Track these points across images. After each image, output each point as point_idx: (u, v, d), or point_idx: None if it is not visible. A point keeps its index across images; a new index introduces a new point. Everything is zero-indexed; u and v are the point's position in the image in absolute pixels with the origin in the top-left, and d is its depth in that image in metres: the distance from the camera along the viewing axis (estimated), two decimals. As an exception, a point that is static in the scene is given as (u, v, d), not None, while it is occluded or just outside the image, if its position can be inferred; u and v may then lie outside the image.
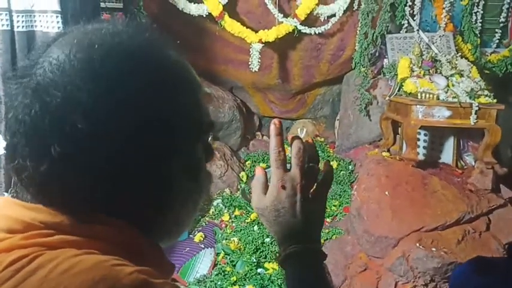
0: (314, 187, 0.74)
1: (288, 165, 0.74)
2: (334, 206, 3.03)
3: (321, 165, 0.77)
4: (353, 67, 3.54)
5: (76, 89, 0.50)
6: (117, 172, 0.51)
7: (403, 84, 3.02)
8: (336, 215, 2.97)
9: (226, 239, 2.83)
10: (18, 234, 0.50)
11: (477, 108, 2.79)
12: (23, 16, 2.09)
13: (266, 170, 0.76)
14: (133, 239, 0.54)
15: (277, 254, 0.71)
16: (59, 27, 2.08)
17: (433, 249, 2.48)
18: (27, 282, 0.44)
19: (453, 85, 2.95)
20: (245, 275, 2.54)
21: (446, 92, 2.90)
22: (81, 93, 0.50)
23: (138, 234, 0.55)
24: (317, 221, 0.75)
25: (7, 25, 2.06)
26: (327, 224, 2.94)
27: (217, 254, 2.76)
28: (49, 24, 2.09)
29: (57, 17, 2.10)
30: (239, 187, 3.35)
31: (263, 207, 0.73)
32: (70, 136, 0.49)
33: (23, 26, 2.08)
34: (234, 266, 2.64)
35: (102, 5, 2.84)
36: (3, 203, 0.55)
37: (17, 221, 0.51)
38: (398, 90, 3.07)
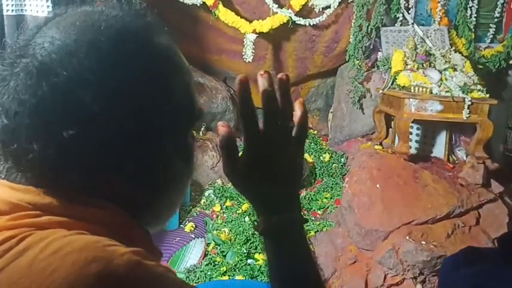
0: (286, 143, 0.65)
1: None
2: (325, 198, 3.04)
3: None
4: (347, 60, 3.53)
5: (84, 70, 0.50)
6: (112, 155, 0.51)
7: (396, 77, 3.02)
8: (327, 208, 2.98)
9: (217, 230, 2.83)
10: (5, 215, 0.49)
11: (470, 102, 2.79)
12: (12, 0, 2.06)
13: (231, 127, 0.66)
14: (123, 222, 0.54)
15: (256, 223, 0.66)
16: (48, 12, 2.05)
17: (423, 242, 2.49)
18: (17, 262, 0.43)
19: (446, 79, 2.95)
20: (235, 265, 2.54)
21: (440, 86, 2.90)
22: (89, 74, 0.50)
23: (128, 217, 0.55)
24: (296, 183, 0.69)
25: (-4, 9, 2.04)
26: (318, 216, 2.94)
27: (208, 244, 2.76)
28: (39, 8, 2.06)
29: (47, 1, 2.07)
30: (231, 178, 3.34)
31: (237, 172, 0.64)
32: (80, 118, 0.49)
33: (12, 10, 2.06)
34: (224, 256, 2.64)
35: (95, -9, 2.81)
36: None
37: (4, 202, 0.50)
38: (392, 84, 3.07)
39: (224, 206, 3.07)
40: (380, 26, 3.40)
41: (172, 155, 0.57)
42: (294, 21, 3.35)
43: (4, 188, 0.52)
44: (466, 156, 3.10)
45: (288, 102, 0.65)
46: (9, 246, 0.45)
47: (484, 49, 3.58)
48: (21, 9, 2.10)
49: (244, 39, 3.35)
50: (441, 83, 2.91)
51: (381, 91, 3.15)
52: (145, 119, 0.52)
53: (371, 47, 3.49)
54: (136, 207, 0.55)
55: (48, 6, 2.07)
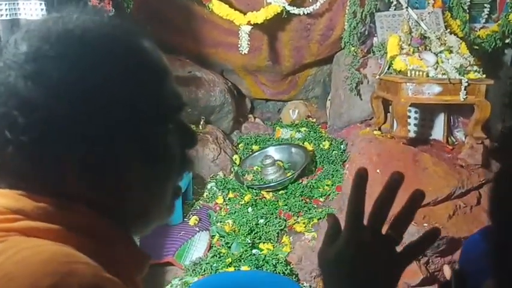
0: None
1: None
2: (327, 185, 3.06)
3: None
4: (343, 47, 3.53)
5: (44, 68, 0.51)
6: (75, 157, 0.52)
7: (392, 62, 3.03)
8: (329, 194, 3.00)
9: (220, 222, 2.86)
10: None
11: (466, 84, 2.80)
12: (6, 4, 2.07)
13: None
14: (101, 227, 0.54)
15: None
16: (43, 15, 2.06)
17: (425, 224, 2.52)
18: None
19: (442, 62, 2.96)
20: (240, 256, 2.57)
21: (436, 69, 2.91)
22: (48, 71, 0.51)
23: (105, 222, 0.55)
24: None
25: (-9, 14, 2.05)
26: (320, 203, 2.97)
27: (212, 237, 2.79)
28: (33, 11, 2.07)
29: (40, 4, 2.08)
30: (232, 170, 3.36)
31: (325, 258, 0.63)
32: (36, 119, 0.50)
33: (6, 15, 2.06)
34: (229, 247, 2.67)
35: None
36: None
37: None
38: (388, 69, 3.08)
39: (227, 198, 3.09)
40: (374, 11, 3.39)
41: (133, 158, 0.56)
42: (288, 10, 3.35)
43: None
44: (465, 138, 3.11)
45: (388, 204, 0.61)
46: None
47: (479, 29, 3.57)
48: (16, 13, 2.10)
49: (239, 31, 3.36)
50: (437, 66, 2.92)
51: (377, 76, 3.15)
52: (102, 120, 0.52)
53: (366, 32, 3.48)
54: (109, 212, 0.55)
55: (42, 10, 2.08)
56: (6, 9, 2.06)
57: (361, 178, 0.62)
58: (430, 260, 2.54)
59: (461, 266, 1.04)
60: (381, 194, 0.61)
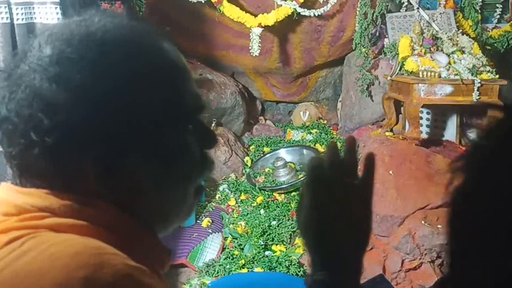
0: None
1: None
2: (339, 187, 3.05)
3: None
4: (354, 48, 3.52)
5: (71, 73, 0.52)
6: (96, 157, 0.53)
7: (404, 63, 3.01)
8: (341, 196, 2.99)
9: (233, 223, 2.86)
10: (14, 217, 0.51)
11: (479, 84, 2.79)
12: (22, 8, 2.09)
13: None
14: (124, 223, 0.56)
15: (306, 274, 0.68)
16: (58, 19, 2.08)
17: (439, 226, 2.51)
18: (17, 263, 0.46)
19: (455, 62, 2.94)
20: (253, 257, 2.57)
21: (448, 70, 2.90)
22: (76, 77, 0.52)
23: (128, 218, 0.56)
24: (354, 245, 0.64)
25: (7, 18, 2.06)
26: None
27: (225, 238, 2.79)
28: (48, 15, 2.09)
29: (56, 8, 2.10)
30: (244, 172, 3.37)
31: (300, 214, 0.66)
32: (63, 121, 0.52)
33: (22, 19, 2.09)
34: (242, 249, 2.67)
35: (101, -7, 2.83)
36: (1, 188, 0.57)
37: (11, 204, 0.53)
38: (400, 70, 3.07)
39: (239, 200, 3.10)
40: (385, 12, 3.39)
41: (152, 157, 0.57)
42: (299, 12, 3.35)
43: (11, 191, 0.55)
44: (478, 138, 3.09)
45: (353, 157, 0.67)
46: (13, 247, 0.47)
47: (492, 30, 3.55)
48: (31, 18, 2.13)
49: (250, 34, 3.36)
50: (449, 67, 2.91)
51: (389, 78, 3.14)
52: (123, 121, 0.54)
53: (377, 34, 3.47)
54: (129, 210, 0.56)
55: (57, 13, 2.10)
56: (22, 14, 2.08)
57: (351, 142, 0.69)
58: (444, 263, 2.52)
59: None
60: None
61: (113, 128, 0.53)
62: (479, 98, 2.81)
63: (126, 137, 0.54)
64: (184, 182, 0.61)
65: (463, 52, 3.01)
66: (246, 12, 3.36)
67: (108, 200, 0.55)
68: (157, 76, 0.58)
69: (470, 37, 3.21)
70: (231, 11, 3.31)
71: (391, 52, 3.28)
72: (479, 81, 2.79)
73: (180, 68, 0.62)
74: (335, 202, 0.63)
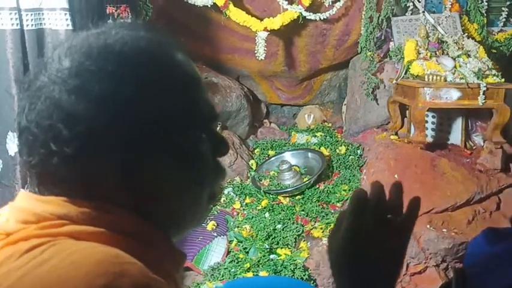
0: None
1: None
2: (344, 190, 3.05)
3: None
4: (359, 51, 3.53)
5: (92, 82, 0.54)
6: (114, 165, 0.55)
7: (409, 67, 3.02)
8: (346, 200, 2.99)
9: (238, 227, 2.87)
10: (33, 225, 0.53)
11: (485, 88, 2.79)
12: (32, 14, 2.11)
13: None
14: (141, 229, 0.57)
15: None
16: (67, 25, 2.10)
17: (444, 230, 2.51)
18: (39, 270, 0.47)
19: (460, 66, 2.94)
20: (258, 261, 2.57)
21: (454, 73, 2.90)
22: (94, 85, 0.54)
23: (144, 223, 0.58)
24: (384, 281, 0.67)
25: (16, 24, 2.08)
26: (337, 208, 2.97)
27: (230, 242, 2.80)
28: (58, 21, 2.11)
29: (65, 14, 2.11)
30: (249, 175, 3.38)
31: (334, 239, 0.70)
32: (80, 130, 0.53)
33: (32, 25, 2.10)
34: (247, 253, 2.68)
35: (108, -2, 2.85)
36: (20, 196, 0.59)
37: (30, 212, 0.54)
38: (405, 73, 3.07)
39: (244, 203, 3.10)
40: (390, 16, 3.39)
41: (169, 164, 0.59)
42: (305, 16, 3.36)
43: (30, 199, 0.57)
44: (483, 142, 3.09)
45: (398, 196, 0.69)
46: (33, 255, 0.48)
47: (497, 33, 3.55)
48: (41, 23, 2.15)
49: (256, 37, 3.37)
50: (455, 70, 2.91)
51: (394, 81, 3.15)
52: (140, 131, 0.56)
53: (382, 37, 3.48)
54: (146, 215, 0.58)
55: (67, 20, 2.12)
56: (31, 20, 2.10)
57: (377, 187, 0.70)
58: (449, 266, 2.52)
59: (465, 266, 1.05)
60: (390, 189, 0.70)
61: (132, 137, 0.55)
62: (485, 102, 2.81)
63: (144, 145, 0.56)
64: (199, 188, 0.63)
65: (469, 56, 3.01)
66: (252, 16, 3.37)
67: (126, 206, 0.56)
68: (174, 86, 0.60)
69: (475, 41, 3.21)
70: (237, 15, 3.32)
71: (396, 56, 3.28)
72: (485, 84, 2.79)
73: (195, 79, 0.64)
74: (374, 235, 0.66)
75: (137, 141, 0.55)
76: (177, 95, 0.60)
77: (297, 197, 3.12)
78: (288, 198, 3.11)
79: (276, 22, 3.33)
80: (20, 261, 0.48)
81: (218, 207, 3.10)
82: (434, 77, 2.88)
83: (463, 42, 3.09)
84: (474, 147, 3.16)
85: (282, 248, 2.69)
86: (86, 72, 0.55)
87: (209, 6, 3.33)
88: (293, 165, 3.30)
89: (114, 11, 2.64)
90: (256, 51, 3.40)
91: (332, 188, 3.10)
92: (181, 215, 0.63)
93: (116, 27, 0.61)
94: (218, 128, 3.52)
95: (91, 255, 0.48)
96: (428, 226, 2.53)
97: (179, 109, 0.59)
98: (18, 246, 0.50)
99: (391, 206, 0.69)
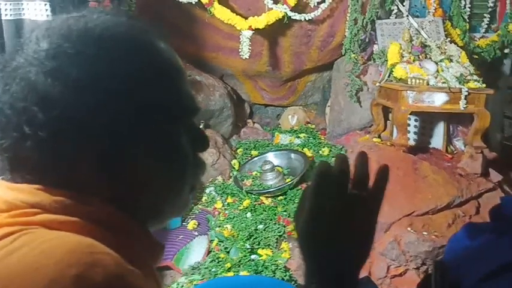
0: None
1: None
2: (326, 192, 3.05)
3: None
4: (343, 53, 3.54)
5: (69, 64, 0.52)
6: (91, 153, 0.53)
7: (393, 70, 3.04)
8: (328, 201, 2.99)
9: (219, 226, 2.84)
10: (4, 213, 0.51)
11: (467, 93, 2.82)
12: (10, 4, 2.06)
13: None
14: (118, 219, 0.56)
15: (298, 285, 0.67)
16: (47, 15, 2.06)
17: (424, 233, 2.52)
18: (9, 259, 0.45)
19: (443, 70, 2.97)
20: (239, 261, 2.55)
21: (436, 78, 2.92)
22: (72, 70, 0.52)
23: (122, 214, 0.56)
24: (353, 259, 0.63)
25: (-5, 14, 2.04)
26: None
27: (211, 241, 2.77)
28: (37, 12, 2.07)
29: (45, 4, 2.07)
30: (231, 175, 3.36)
31: (299, 220, 0.65)
32: (56, 114, 0.51)
33: (11, 15, 2.06)
34: (228, 252, 2.66)
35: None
36: None
37: (1, 200, 0.52)
38: (389, 76, 3.09)
39: (226, 203, 3.08)
40: (375, 19, 3.41)
41: (145, 155, 0.57)
42: (290, 16, 3.36)
43: (2, 188, 0.54)
44: (464, 147, 3.12)
45: (364, 167, 0.65)
46: (4, 243, 0.47)
47: (479, 39, 3.60)
48: (20, 14, 2.10)
49: (241, 36, 3.35)
50: (438, 75, 2.93)
51: (378, 84, 3.16)
52: (119, 117, 0.54)
53: (367, 40, 3.50)
54: (123, 206, 0.56)
55: (46, 10, 2.07)
56: (10, 9, 2.05)
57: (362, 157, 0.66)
58: (430, 269, 2.53)
59: (445, 260, 1.06)
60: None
61: (109, 124, 0.53)
62: (466, 107, 2.84)
63: (122, 133, 0.54)
64: (179, 181, 0.62)
65: (451, 60, 3.04)
66: (237, 14, 3.35)
67: (102, 196, 0.54)
68: (154, 75, 0.58)
69: (458, 46, 3.24)
70: (221, 13, 3.30)
71: (380, 58, 3.30)
72: (466, 89, 2.82)
73: (177, 68, 0.62)
74: (338, 212, 0.61)
75: (115, 130, 0.54)
76: (158, 85, 0.58)
77: (279, 198, 3.11)
78: (270, 198, 3.10)
79: (261, 21, 3.31)
80: None
81: (199, 206, 3.07)
82: (417, 81, 2.90)
83: (445, 47, 3.12)
84: (455, 152, 3.19)
85: (263, 248, 2.68)
86: (64, 55, 0.53)
87: (193, 3, 3.30)
88: (276, 166, 3.29)
89: (96, 5, 2.60)
90: (240, 50, 3.38)
91: (314, 189, 3.10)
92: (161, 206, 0.62)
93: (97, 12, 0.59)
94: (201, 127, 3.49)
95: (63, 244, 0.46)
96: (409, 229, 2.54)
97: (160, 99, 0.58)
98: None
99: (356, 179, 0.63)
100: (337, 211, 0.61)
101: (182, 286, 2.46)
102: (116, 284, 0.45)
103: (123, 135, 0.54)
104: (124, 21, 0.59)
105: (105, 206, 0.55)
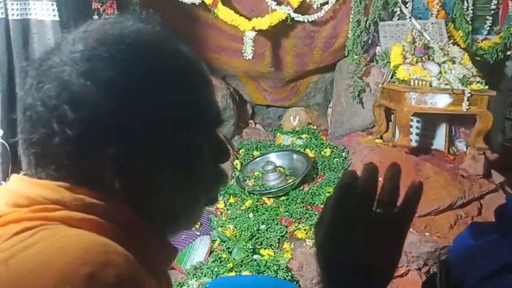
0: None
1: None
2: (328, 192, 3.06)
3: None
4: (346, 55, 3.55)
5: (98, 67, 0.54)
6: (114, 154, 0.54)
7: (396, 71, 3.04)
8: (330, 202, 3.00)
9: (221, 226, 2.85)
10: (24, 208, 0.52)
11: (469, 94, 2.82)
12: (17, 4, 2.07)
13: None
14: (135, 221, 0.57)
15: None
16: (54, 15, 2.06)
17: (427, 234, 2.53)
18: (26, 253, 0.46)
19: (445, 72, 2.98)
20: (241, 261, 2.56)
21: (439, 79, 2.93)
22: (102, 72, 0.54)
23: (138, 216, 0.57)
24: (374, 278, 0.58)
25: (2, 13, 2.04)
26: (321, 210, 2.97)
27: (213, 241, 2.78)
28: (44, 12, 2.07)
29: (52, 4, 2.08)
30: (233, 175, 3.36)
31: (318, 233, 0.61)
32: (83, 116, 0.53)
33: (17, 14, 2.07)
34: (230, 252, 2.66)
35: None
36: (12, 179, 0.58)
37: (23, 196, 0.54)
38: (391, 78, 3.09)
39: (228, 203, 3.08)
40: (378, 20, 3.42)
41: (167, 162, 0.58)
42: (293, 17, 3.36)
43: (23, 183, 0.56)
44: (466, 148, 3.13)
45: (394, 182, 0.58)
46: (22, 237, 0.48)
47: (482, 41, 3.61)
48: (27, 14, 2.11)
49: (244, 37, 3.36)
50: (440, 76, 2.94)
51: (380, 85, 3.17)
52: (145, 123, 0.55)
53: (369, 41, 3.51)
54: (140, 210, 0.57)
55: (53, 10, 2.08)
56: (17, 9, 2.06)
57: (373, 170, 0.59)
58: (431, 270, 2.54)
59: (450, 259, 1.07)
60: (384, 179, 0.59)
61: (135, 128, 0.55)
62: (469, 108, 2.84)
63: (147, 138, 0.56)
64: (196, 191, 0.63)
65: (454, 62, 3.05)
66: (240, 15, 3.36)
67: (121, 198, 0.55)
68: (182, 85, 0.59)
69: (460, 47, 3.25)
70: (225, 14, 3.31)
71: (382, 60, 3.31)
72: (469, 91, 2.82)
73: (205, 80, 0.64)
74: (359, 231, 0.56)
75: (140, 135, 0.55)
76: (186, 96, 0.59)
77: (281, 198, 3.11)
78: (272, 199, 3.11)
79: (264, 22, 3.32)
80: (7, 243, 0.48)
81: (202, 206, 3.08)
82: (420, 82, 2.90)
83: (448, 49, 3.13)
84: (457, 153, 3.20)
85: (265, 248, 2.68)
86: (98, 58, 0.54)
87: (197, 4, 3.31)
88: (278, 166, 3.29)
89: (99, 6, 2.60)
90: (243, 51, 3.39)
91: (316, 189, 3.11)
92: (176, 215, 0.62)
93: (132, 19, 0.61)
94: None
95: (79, 242, 0.47)
96: (411, 229, 2.54)
97: (186, 110, 0.59)
98: (8, 228, 0.50)
99: (384, 194, 0.57)
100: (358, 231, 0.56)
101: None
102: (126, 285, 0.46)
103: (144, 140, 0.56)
104: (157, 30, 0.61)
105: (123, 206, 0.56)
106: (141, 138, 0.55)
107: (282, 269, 2.50)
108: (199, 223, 2.85)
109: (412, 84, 2.91)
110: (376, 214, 0.57)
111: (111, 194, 0.55)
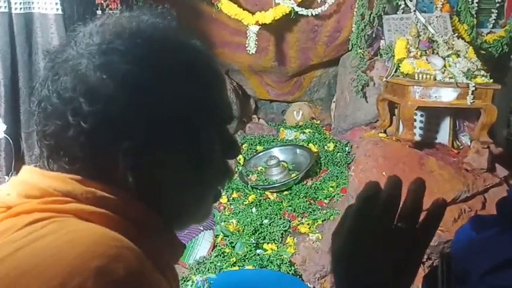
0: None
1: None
2: (331, 187, 3.06)
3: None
4: (349, 49, 3.53)
5: (109, 68, 0.54)
6: (127, 148, 0.54)
7: (400, 65, 3.03)
8: (334, 196, 3.00)
9: (224, 221, 2.86)
10: (36, 199, 0.52)
11: (474, 88, 2.80)
12: (20, -3, 2.07)
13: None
14: (145, 215, 0.57)
15: None
16: (57, 9, 2.06)
17: (430, 227, 2.52)
18: (35, 244, 0.46)
19: (450, 65, 2.96)
20: (244, 256, 2.56)
21: (443, 73, 2.91)
22: (120, 66, 0.54)
23: (148, 211, 0.57)
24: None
25: (5, 7, 2.04)
26: (324, 205, 2.97)
27: (216, 236, 2.79)
28: (47, 5, 2.07)
29: (55, -3, 2.08)
30: (236, 170, 3.36)
31: (337, 237, 0.59)
32: (92, 109, 0.53)
33: (21, 8, 2.06)
34: (233, 247, 2.67)
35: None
36: (24, 170, 0.58)
37: (35, 187, 0.54)
38: (395, 72, 3.08)
39: (231, 198, 3.09)
40: (382, 14, 3.40)
41: (178, 158, 0.59)
42: (297, 11, 3.35)
43: (36, 174, 0.56)
44: (470, 142, 3.11)
45: (418, 197, 0.58)
46: (33, 228, 0.48)
47: (486, 34, 3.58)
48: (30, 7, 2.10)
49: (247, 31, 3.35)
50: (445, 70, 2.92)
51: (384, 79, 3.16)
52: (159, 117, 0.56)
53: (373, 35, 3.49)
54: (150, 204, 0.58)
55: (56, 4, 2.08)
56: (20, 3, 2.06)
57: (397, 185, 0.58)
58: (435, 263, 2.53)
59: (452, 252, 1.07)
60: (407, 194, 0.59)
61: (149, 123, 0.55)
62: (473, 102, 2.82)
63: (160, 133, 0.56)
64: (206, 186, 0.64)
65: (458, 56, 3.03)
66: (244, 9, 3.34)
67: (132, 193, 0.56)
68: (196, 80, 0.60)
69: (465, 41, 3.23)
70: (228, 8, 3.30)
71: (387, 54, 3.29)
72: (473, 84, 2.80)
73: (218, 76, 0.65)
74: (381, 243, 0.55)
75: (153, 129, 0.55)
76: (200, 92, 0.60)
77: (285, 193, 3.11)
78: (275, 193, 3.11)
79: (268, 16, 3.31)
80: (18, 234, 0.48)
81: (205, 201, 3.08)
82: (424, 76, 2.89)
83: (453, 42, 3.11)
84: (461, 147, 3.18)
85: (268, 243, 2.68)
86: (115, 51, 0.55)
87: (200, -2, 3.30)
88: (281, 161, 3.29)
89: (103, 1, 2.59)
90: (247, 45, 3.38)
91: (320, 184, 3.10)
92: (185, 209, 0.63)
93: (148, 14, 0.62)
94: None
95: (89, 235, 0.47)
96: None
97: (200, 106, 0.60)
98: (20, 219, 0.50)
99: (406, 209, 0.57)
100: (378, 242, 0.55)
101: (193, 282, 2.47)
102: (135, 279, 0.46)
103: (158, 134, 0.56)
104: (173, 25, 0.62)
105: (133, 200, 0.56)
106: (155, 132, 0.55)
107: (285, 263, 2.50)
108: (202, 217, 2.86)
109: (416, 78, 2.90)
110: (396, 228, 0.56)
111: (122, 188, 0.55)
